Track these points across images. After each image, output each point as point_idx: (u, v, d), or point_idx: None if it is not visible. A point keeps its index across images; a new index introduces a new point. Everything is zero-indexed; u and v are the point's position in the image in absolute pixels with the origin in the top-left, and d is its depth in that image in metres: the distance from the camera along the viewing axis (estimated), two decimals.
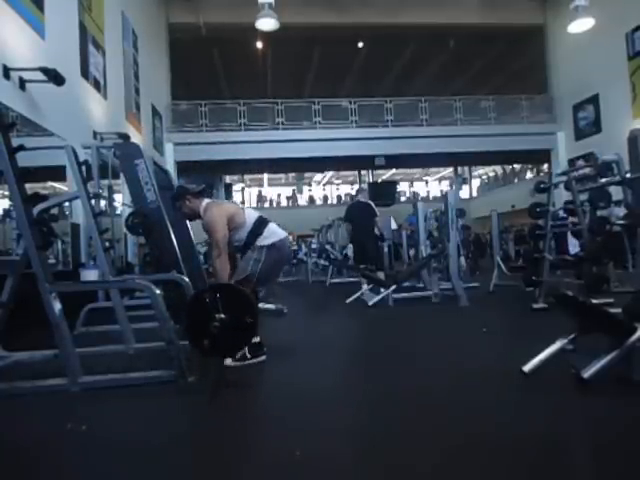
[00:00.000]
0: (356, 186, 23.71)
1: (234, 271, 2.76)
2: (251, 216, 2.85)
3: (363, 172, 22.24)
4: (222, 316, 2.20)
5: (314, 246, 11.57)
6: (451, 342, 3.33)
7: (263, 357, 2.71)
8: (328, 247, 10.57)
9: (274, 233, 2.83)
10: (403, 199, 22.75)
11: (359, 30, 13.31)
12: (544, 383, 2.11)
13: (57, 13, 5.64)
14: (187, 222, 4.91)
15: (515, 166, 20.41)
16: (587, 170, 5.46)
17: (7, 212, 5.09)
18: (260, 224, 2.83)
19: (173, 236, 3.94)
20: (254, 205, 23.05)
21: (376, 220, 6.49)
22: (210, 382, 2.32)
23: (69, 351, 2.29)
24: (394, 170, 22.76)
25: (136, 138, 8.31)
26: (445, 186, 26.31)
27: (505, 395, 2.06)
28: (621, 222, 4.20)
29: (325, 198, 24.24)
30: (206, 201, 2.85)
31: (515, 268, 7.24)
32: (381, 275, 6.17)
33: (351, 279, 8.45)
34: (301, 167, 18.74)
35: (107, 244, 4.06)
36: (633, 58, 10.51)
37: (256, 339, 2.70)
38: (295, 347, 3.30)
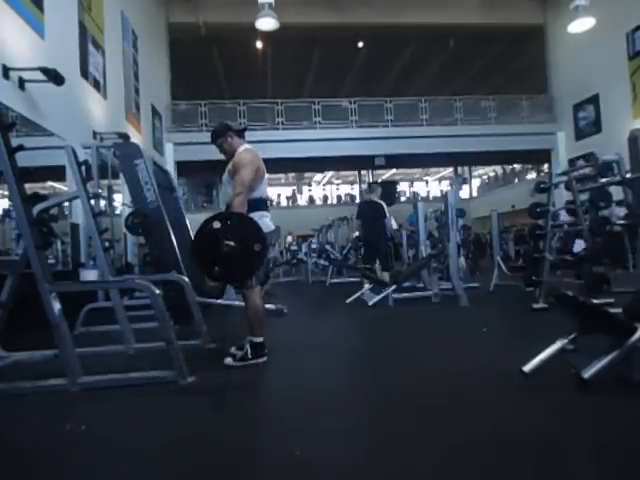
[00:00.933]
0: (356, 186, 23.75)
1: None
2: (265, 191, 2.86)
3: (363, 172, 22.25)
4: (231, 243, 2.21)
5: (314, 246, 11.57)
6: (451, 342, 3.33)
7: (264, 358, 2.71)
8: (328, 247, 10.58)
9: (266, 225, 2.79)
10: (403, 199, 22.76)
11: (359, 30, 13.32)
12: (544, 383, 2.10)
13: (57, 13, 5.64)
14: (187, 222, 4.93)
15: (515, 166, 20.42)
16: (587, 170, 5.45)
17: (7, 212, 5.09)
18: (264, 202, 2.84)
19: (173, 236, 3.95)
20: None
21: (386, 221, 6.52)
22: (210, 382, 2.32)
23: (69, 351, 2.29)
24: (394, 170, 22.76)
25: (136, 138, 8.31)
26: (445, 186, 26.32)
27: (505, 395, 2.06)
28: (621, 222, 4.20)
29: (325, 198, 24.25)
30: (246, 145, 2.87)
31: (515, 268, 7.24)
32: (386, 275, 6.17)
33: (351, 279, 8.46)
34: (301, 167, 18.76)
35: (107, 244, 4.06)
36: (633, 58, 10.52)
37: (259, 339, 2.70)
38: (295, 347, 3.29)
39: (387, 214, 6.48)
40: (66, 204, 5.46)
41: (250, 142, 2.95)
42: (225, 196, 2.84)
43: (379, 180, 21.01)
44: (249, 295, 2.69)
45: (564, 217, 5.37)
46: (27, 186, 2.39)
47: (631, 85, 10.56)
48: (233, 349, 2.80)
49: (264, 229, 2.62)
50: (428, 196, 24.63)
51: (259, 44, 13.65)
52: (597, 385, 1.95)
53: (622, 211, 4.59)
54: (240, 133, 2.92)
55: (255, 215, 2.65)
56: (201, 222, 2.39)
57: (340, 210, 15.11)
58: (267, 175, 2.91)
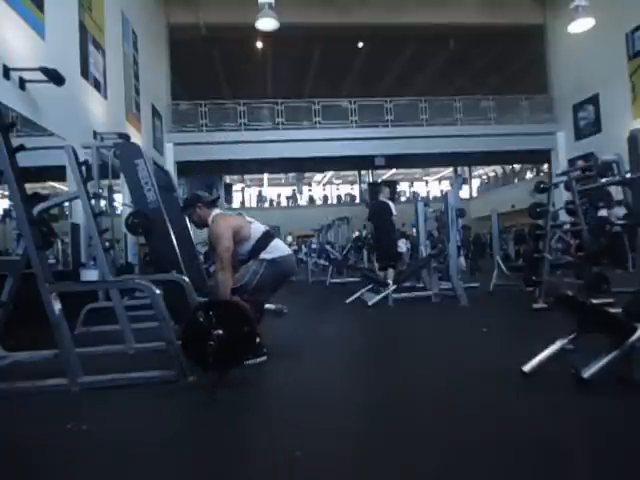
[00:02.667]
0: (356, 186, 23.78)
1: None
2: (257, 230, 2.85)
3: (363, 172, 22.26)
4: (219, 332, 2.20)
5: (314, 246, 11.58)
6: (451, 342, 3.33)
7: (263, 357, 2.71)
8: (328, 247, 10.58)
9: (277, 249, 2.83)
10: (403, 199, 22.76)
11: (359, 30, 13.30)
12: (544, 383, 2.11)
13: (57, 13, 5.64)
14: (187, 222, 4.92)
15: (515, 166, 20.43)
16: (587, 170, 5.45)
17: (7, 212, 5.09)
18: (265, 238, 2.83)
19: (173, 236, 3.95)
20: (254, 205, 23.10)
21: (394, 219, 6.58)
22: (210, 382, 2.32)
23: (69, 351, 2.29)
24: (394, 170, 22.76)
25: (136, 138, 8.31)
26: (445, 186, 26.33)
27: (505, 395, 2.06)
28: (621, 222, 4.20)
29: (325, 198, 24.26)
30: (215, 212, 2.87)
31: (515, 268, 7.24)
32: (391, 274, 6.21)
33: (351, 279, 8.46)
34: (301, 167, 18.75)
35: (107, 244, 4.06)
36: (633, 58, 10.51)
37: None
38: (295, 347, 3.30)
39: (394, 212, 6.56)
40: (66, 204, 5.46)
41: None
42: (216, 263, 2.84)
43: (379, 180, 21.02)
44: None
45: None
46: (27, 186, 2.39)
47: (631, 85, 10.56)
48: None
49: (280, 254, 2.75)
50: (428, 196, 24.64)
51: (259, 44, 13.65)
52: (597, 385, 1.96)
53: (622, 211, 4.59)
54: (210, 204, 2.92)
55: (266, 253, 2.73)
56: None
57: (340, 210, 15.16)
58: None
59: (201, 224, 2.92)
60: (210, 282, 4.26)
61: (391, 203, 6.57)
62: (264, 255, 2.77)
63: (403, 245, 6.55)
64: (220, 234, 2.68)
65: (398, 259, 6.68)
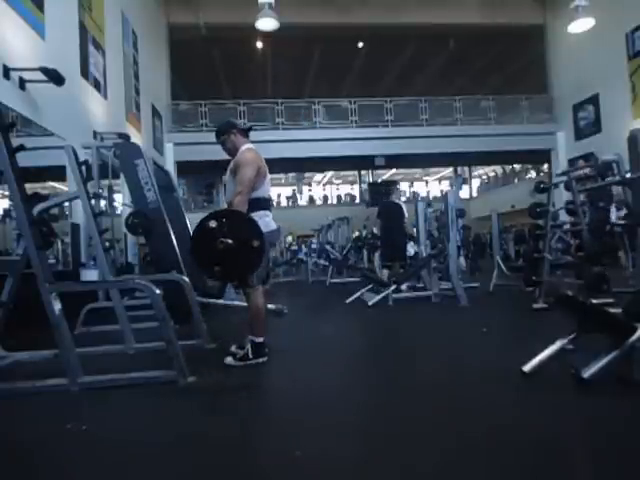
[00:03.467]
0: (356, 186, 23.76)
1: None
2: (267, 190, 2.86)
3: (363, 172, 22.25)
4: (229, 241, 2.20)
5: (314, 246, 11.58)
6: (451, 342, 3.33)
7: (265, 358, 2.71)
8: (328, 247, 10.58)
9: (269, 224, 2.78)
10: (403, 199, 22.75)
11: (359, 30, 13.31)
12: (544, 383, 2.11)
13: (57, 13, 5.64)
14: (187, 221, 4.93)
15: (515, 166, 20.43)
16: (587, 170, 5.46)
17: (7, 212, 5.09)
18: (266, 203, 2.83)
19: (173, 236, 3.95)
20: None
21: (405, 221, 6.70)
22: (210, 382, 2.32)
23: (69, 351, 2.29)
24: (394, 170, 22.76)
25: (136, 138, 8.31)
26: (445, 186, 26.33)
27: (505, 395, 2.06)
28: (621, 222, 4.20)
29: (325, 198, 24.24)
30: (249, 144, 2.87)
31: (515, 268, 7.24)
32: (385, 273, 6.24)
33: (351, 279, 8.46)
34: (301, 167, 18.76)
35: (107, 244, 4.06)
36: (633, 58, 10.52)
37: (260, 339, 2.70)
38: (295, 347, 3.30)
39: (406, 214, 6.67)
40: (66, 204, 5.46)
41: (250, 142, 2.95)
42: (229, 194, 2.84)
43: (379, 180, 21.03)
44: (252, 295, 2.69)
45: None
46: (27, 186, 2.39)
47: (631, 85, 10.56)
48: (234, 347, 2.80)
49: (265, 228, 2.62)
50: (428, 196, 24.63)
51: (259, 44, 13.65)
52: (597, 385, 1.96)
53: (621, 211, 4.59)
54: (244, 132, 2.93)
55: (257, 214, 2.66)
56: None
57: (340, 210, 15.14)
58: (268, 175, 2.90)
59: (233, 151, 2.88)
60: (210, 282, 4.26)
61: (404, 206, 6.64)
62: (256, 217, 2.69)
63: (411, 249, 6.55)
64: (250, 162, 2.69)
65: (403, 259, 6.72)
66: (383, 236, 6.96)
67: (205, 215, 2.36)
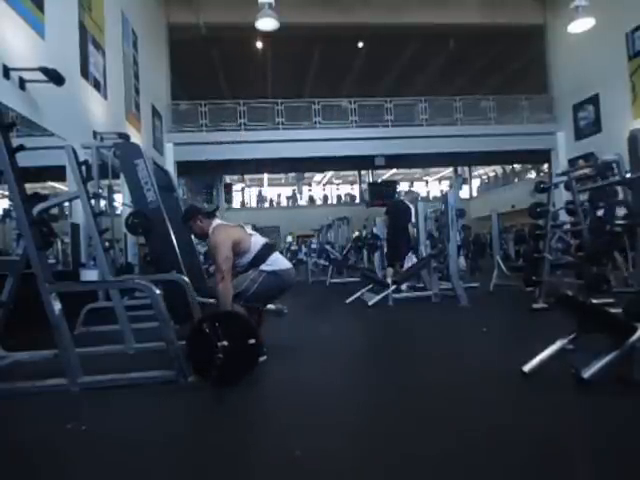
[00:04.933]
0: (356, 186, 23.78)
1: None
2: (257, 243, 2.84)
3: (363, 172, 22.25)
4: (224, 343, 2.20)
5: (314, 246, 11.58)
6: (451, 342, 3.33)
7: (264, 357, 2.71)
8: (328, 247, 10.58)
9: (277, 262, 2.84)
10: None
11: (359, 30, 13.30)
12: (544, 383, 2.11)
13: (57, 13, 5.64)
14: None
15: (515, 166, 20.42)
16: (587, 170, 5.46)
17: (7, 212, 5.09)
18: (265, 251, 2.83)
19: (173, 236, 3.95)
20: (254, 205, 23.09)
21: (410, 225, 6.71)
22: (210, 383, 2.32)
23: (69, 351, 2.29)
24: (394, 170, 22.76)
25: (136, 138, 8.31)
26: (445, 186, 26.33)
27: (505, 395, 2.06)
28: (621, 222, 4.20)
29: (325, 198, 24.25)
30: (216, 223, 2.86)
31: (515, 268, 7.25)
32: (390, 272, 6.25)
33: (351, 279, 8.46)
34: (301, 167, 18.73)
35: (107, 244, 4.06)
36: (633, 58, 10.51)
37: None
38: (295, 347, 3.30)
39: (413, 219, 6.67)
40: (66, 204, 5.46)
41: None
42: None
43: (379, 180, 21.03)
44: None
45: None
46: (27, 186, 2.39)
47: (631, 85, 10.56)
48: None
49: (280, 267, 2.76)
50: (428, 196, 24.64)
51: (259, 44, 13.64)
52: (597, 385, 1.96)
53: (621, 211, 4.59)
54: (209, 214, 2.93)
55: (266, 265, 2.74)
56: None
57: (340, 210, 15.15)
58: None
59: (203, 235, 2.92)
60: (210, 282, 4.26)
61: (413, 208, 6.65)
62: (264, 267, 2.77)
63: (409, 261, 6.46)
64: (219, 243, 2.68)
65: (399, 260, 6.70)
66: (389, 235, 6.93)
67: (199, 318, 2.35)
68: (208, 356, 2.17)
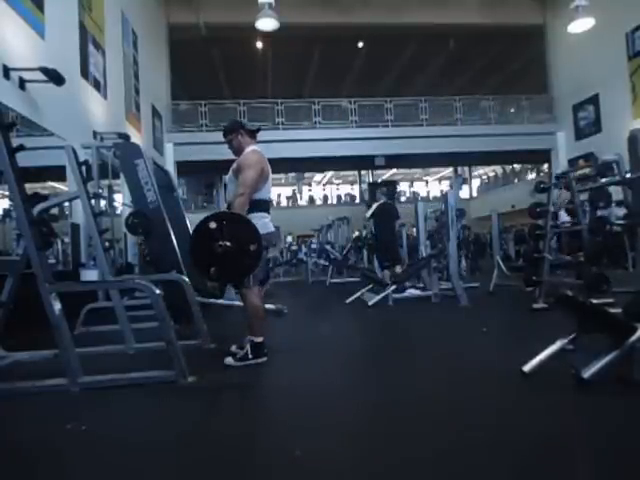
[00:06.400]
0: (356, 186, 23.78)
1: None
2: (268, 191, 2.86)
3: (363, 172, 22.25)
4: (227, 243, 2.21)
5: (314, 246, 11.58)
6: (451, 342, 3.33)
7: (264, 358, 2.71)
8: (328, 247, 10.58)
9: (265, 226, 2.78)
10: (403, 199, 22.76)
11: (359, 30, 13.31)
12: (544, 383, 2.11)
13: (57, 13, 5.64)
14: (187, 221, 4.92)
15: (515, 166, 20.43)
16: (587, 170, 5.46)
17: (7, 212, 5.09)
18: (266, 205, 2.84)
19: (173, 236, 3.95)
20: None
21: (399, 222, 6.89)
22: (210, 382, 2.32)
23: (69, 351, 2.29)
24: (394, 170, 22.75)
25: (136, 138, 8.31)
26: (445, 186, 26.33)
27: (505, 395, 2.06)
28: (621, 222, 4.20)
29: (325, 198, 24.24)
30: (255, 146, 2.90)
31: (515, 268, 7.24)
32: (387, 274, 6.25)
33: (351, 279, 8.46)
34: (301, 167, 18.75)
35: (107, 244, 4.06)
36: (633, 58, 10.51)
37: (259, 339, 2.70)
38: (295, 347, 3.30)
39: (399, 215, 6.68)
40: (66, 204, 5.46)
41: (256, 143, 2.96)
42: (230, 194, 2.84)
43: (379, 180, 21.02)
44: (247, 295, 2.69)
45: (564, 217, 5.37)
46: (27, 186, 2.39)
47: (631, 85, 10.56)
48: (234, 347, 2.80)
49: (263, 230, 2.63)
50: (428, 196, 24.63)
51: (259, 44, 13.65)
52: (597, 385, 1.96)
53: (621, 211, 4.59)
54: (252, 133, 2.95)
55: (255, 216, 2.66)
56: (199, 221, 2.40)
57: (340, 210, 15.14)
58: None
59: (238, 150, 2.90)
60: (210, 282, 4.26)
61: (396, 206, 6.68)
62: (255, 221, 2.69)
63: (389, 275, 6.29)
64: (253, 164, 2.70)
65: (397, 261, 6.71)
66: (377, 238, 6.96)
67: (205, 216, 2.37)
68: (209, 253, 2.19)
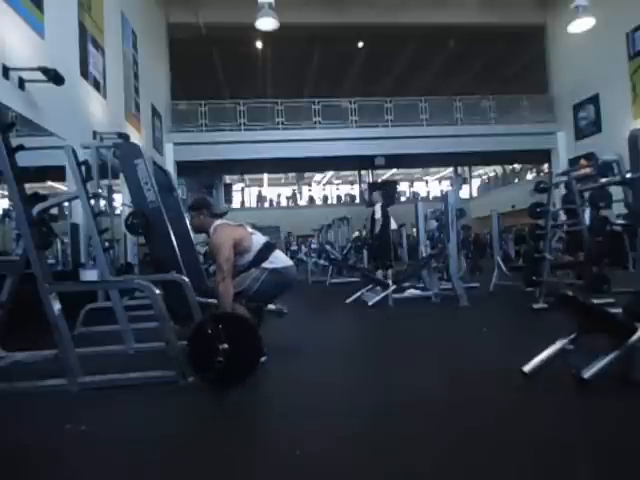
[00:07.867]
0: (356, 186, 23.79)
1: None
2: (258, 241, 2.84)
3: (363, 172, 22.25)
4: (225, 346, 2.19)
5: (314, 246, 11.58)
6: (451, 342, 3.33)
7: (264, 357, 2.71)
8: (328, 247, 10.57)
9: (279, 259, 2.83)
10: (403, 199, 22.77)
11: (359, 30, 13.31)
12: (544, 383, 2.10)
13: (57, 13, 5.63)
14: (187, 222, 4.92)
15: (515, 166, 20.43)
16: (587, 170, 5.45)
17: (7, 212, 5.09)
18: (266, 249, 2.82)
19: (173, 236, 3.94)
20: (254, 205, 23.09)
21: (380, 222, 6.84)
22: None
23: (69, 351, 2.29)
24: (394, 170, 22.76)
25: (136, 138, 8.31)
26: (445, 186, 26.32)
27: (505, 395, 2.06)
28: (621, 222, 4.20)
29: (325, 198, 24.25)
30: (218, 222, 2.84)
31: (515, 268, 7.24)
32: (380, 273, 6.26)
33: (351, 279, 8.46)
34: (301, 167, 18.74)
35: (107, 244, 4.06)
36: (633, 58, 10.51)
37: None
38: (295, 347, 3.29)
39: (377, 215, 6.73)
40: (66, 204, 5.46)
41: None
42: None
43: (379, 180, 21.02)
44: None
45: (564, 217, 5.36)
46: (27, 186, 2.39)
47: (631, 85, 10.56)
48: None
49: (282, 265, 2.75)
50: (428, 196, 24.63)
51: (259, 44, 13.64)
52: (597, 385, 1.96)
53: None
54: (214, 215, 2.90)
55: (268, 263, 2.74)
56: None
57: (340, 210, 15.14)
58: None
59: (199, 230, 2.92)
60: (210, 282, 4.26)
61: (377, 206, 6.78)
62: (266, 264, 2.77)
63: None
64: (220, 244, 2.65)
65: (388, 259, 6.77)
66: (371, 239, 7.04)
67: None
68: (208, 358, 2.17)
